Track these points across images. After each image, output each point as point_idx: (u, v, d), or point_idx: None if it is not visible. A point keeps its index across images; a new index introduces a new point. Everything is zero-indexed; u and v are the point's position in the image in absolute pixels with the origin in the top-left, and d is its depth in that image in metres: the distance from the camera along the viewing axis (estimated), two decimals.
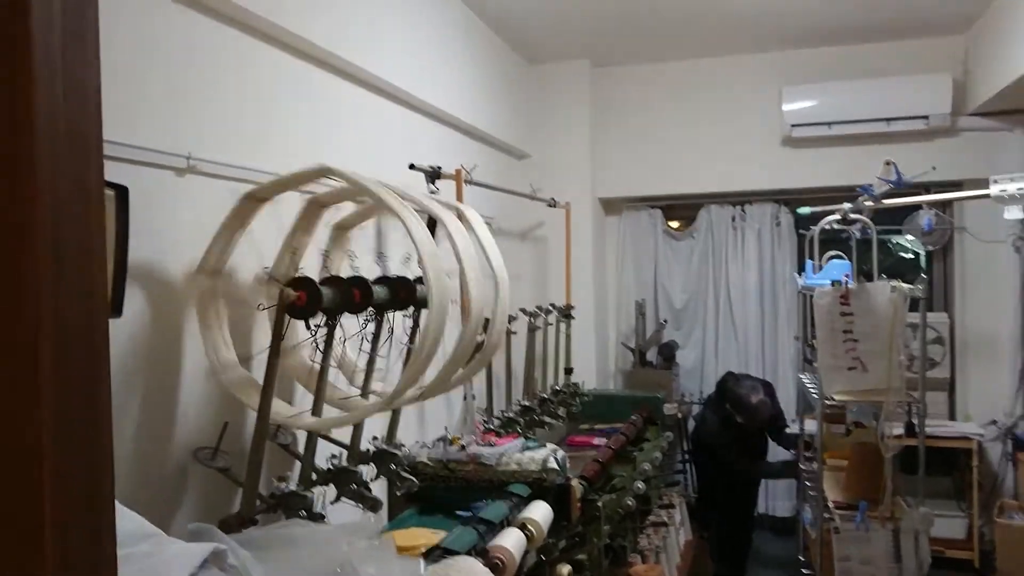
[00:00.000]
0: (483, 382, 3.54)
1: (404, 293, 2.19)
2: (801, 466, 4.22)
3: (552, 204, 4.52)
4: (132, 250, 1.76)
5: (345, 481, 2.06)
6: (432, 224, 2.31)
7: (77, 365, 0.51)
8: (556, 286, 4.73)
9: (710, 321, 5.29)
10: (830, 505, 3.54)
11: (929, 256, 5.05)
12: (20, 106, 0.47)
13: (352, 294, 1.99)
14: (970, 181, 4.38)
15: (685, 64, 5.01)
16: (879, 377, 3.19)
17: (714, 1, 4.05)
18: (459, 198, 3.18)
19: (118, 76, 1.75)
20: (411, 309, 2.31)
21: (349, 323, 2.12)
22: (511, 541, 2.10)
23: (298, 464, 2.09)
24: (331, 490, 2.05)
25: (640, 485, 3.35)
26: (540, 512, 2.34)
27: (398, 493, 2.38)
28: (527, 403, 3.57)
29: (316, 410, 2.02)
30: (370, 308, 2.08)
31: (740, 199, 5.22)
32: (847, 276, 3.35)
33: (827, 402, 3.44)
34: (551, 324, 4.16)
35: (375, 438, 2.26)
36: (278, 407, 1.98)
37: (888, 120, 4.57)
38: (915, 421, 3.54)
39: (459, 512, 2.26)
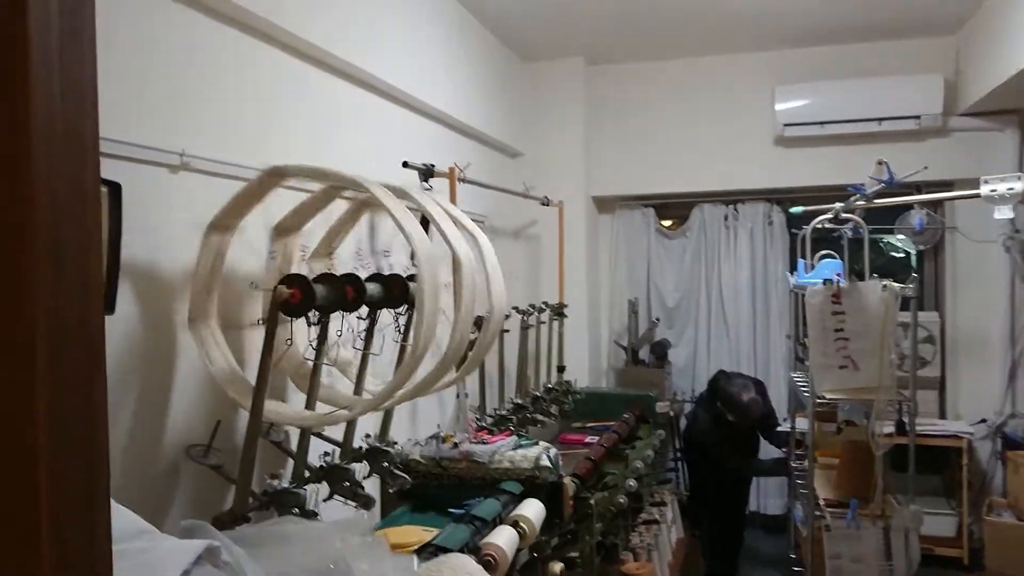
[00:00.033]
0: (476, 380, 3.55)
1: (398, 290, 2.20)
2: (792, 464, 4.24)
3: (545, 202, 4.53)
4: (125, 247, 1.76)
5: (338, 479, 2.06)
6: (425, 222, 2.31)
7: (74, 365, 0.52)
8: (549, 284, 4.74)
9: (702, 320, 5.30)
10: (821, 503, 3.55)
11: (920, 255, 5.08)
12: (18, 106, 0.47)
13: (345, 291, 1.99)
14: (961, 181, 4.40)
15: (679, 63, 5.02)
16: (870, 376, 3.20)
17: (708, 0, 4.06)
18: (452, 197, 3.19)
19: (112, 73, 1.75)
20: (405, 307, 2.31)
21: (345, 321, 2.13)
22: (504, 538, 2.10)
23: (291, 461, 2.09)
24: (324, 488, 2.05)
25: (632, 483, 3.37)
26: (533, 510, 2.34)
27: (391, 491, 2.39)
28: (520, 401, 3.58)
29: (309, 407, 2.02)
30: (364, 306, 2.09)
31: (733, 198, 5.23)
32: (839, 275, 3.37)
33: (818, 400, 3.45)
34: (544, 322, 4.17)
35: (368, 436, 2.26)
36: (272, 405, 1.98)
37: (880, 120, 4.59)
38: (906, 420, 3.56)
39: (452, 510, 2.27)
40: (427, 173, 3.09)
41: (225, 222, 1.97)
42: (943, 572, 4.34)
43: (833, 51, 4.75)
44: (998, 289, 4.67)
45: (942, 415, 4.85)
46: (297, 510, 1.89)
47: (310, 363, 2.02)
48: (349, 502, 2.06)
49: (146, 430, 1.87)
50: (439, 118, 3.63)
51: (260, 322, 2.12)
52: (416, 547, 1.96)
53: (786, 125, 4.73)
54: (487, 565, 1.93)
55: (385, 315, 2.27)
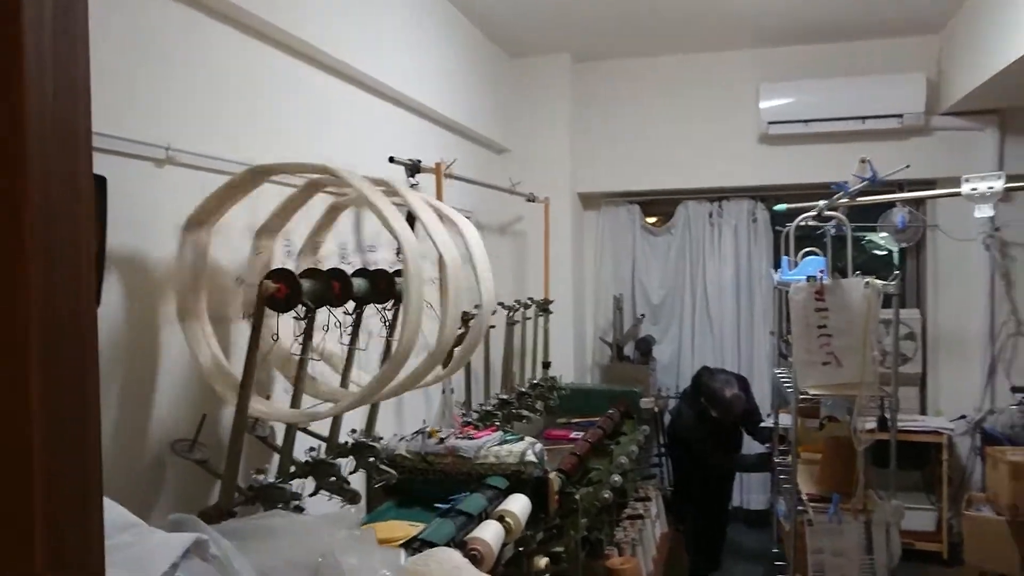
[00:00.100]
0: (462, 375, 3.55)
1: (384, 285, 2.19)
2: (776, 460, 4.27)
3: (531, 199, 4.53)
4: (110, 240, 1.75)
5: (323, 474, 2.06)
6: (411, 218, 2.31)
7: (67, 362, 0.51)
8: (535, 280, 4.75)
9: (687, 316, 5.33)
10: (804, 498, 3.58)
11: (902, 253, 5.13)
12: (12, 105, 0.47)
13: (331, 286, 1.98)
14: (943, 180, 4.44)
15: (664, 60, 5.04)
16: (853, 372, 3.23)
17: None
18: (439, 192, 3.19)
19: (98, 67, 1.73)
20: (391, 302, 2.31)
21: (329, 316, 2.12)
22: (489, 533, 2.11)
23: (276, 456, 2.09)
24: (310, 482, 2.05)
25: (617, 478, 3.38)
26: (518, 505, 2.35)
27: (376, 486, 2.39)
28: (505, 396, 3.58)
29: (295, 403, 2.01)
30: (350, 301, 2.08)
31: (717, 195, 5.26)
32: (822, 272, 3.39)
33: (801, 396, 3.48)
34: (529, 318, 4.17)
35: (353, 431, 2.26)
36: (257, 403, 1.97)
37: (863, 118, 4.63)
38: (887, 415, 3.59)
39: (437, 504, 2.27)
40: (413, 169, 3.09)
41: (203, 218, 1.97)
42: (923, 566, 4.39)
43: (817, 50, 4.78)
44: (978, 287, 4.73)
45: (923, 411, 4.90)
46: (283, 505, 1.89)
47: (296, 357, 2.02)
48: (335, 497, 2.06)
49: (131, 424, 1.86)
50: (425, 114, 3.63)
51: (244, 316, 2.12)
52: (402, 542, 1.96)
53: (770, 123, 4.76)
54: (473, 559, 1.94)
55: (372, 311, 2.27)
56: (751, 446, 4.70)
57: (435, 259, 2.09)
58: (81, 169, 0.53)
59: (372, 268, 2.24)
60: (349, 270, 2.11)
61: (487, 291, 2.27)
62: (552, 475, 2.63)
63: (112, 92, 1.80)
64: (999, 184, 3.22)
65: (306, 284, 1.90)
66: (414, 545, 1.93)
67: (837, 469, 3.56)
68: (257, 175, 1.98)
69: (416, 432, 2.68)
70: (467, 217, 2.51)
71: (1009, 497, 3.77)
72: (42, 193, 0.49)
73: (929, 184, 4.52)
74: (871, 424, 3.35)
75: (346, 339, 2.21)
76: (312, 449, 2.10)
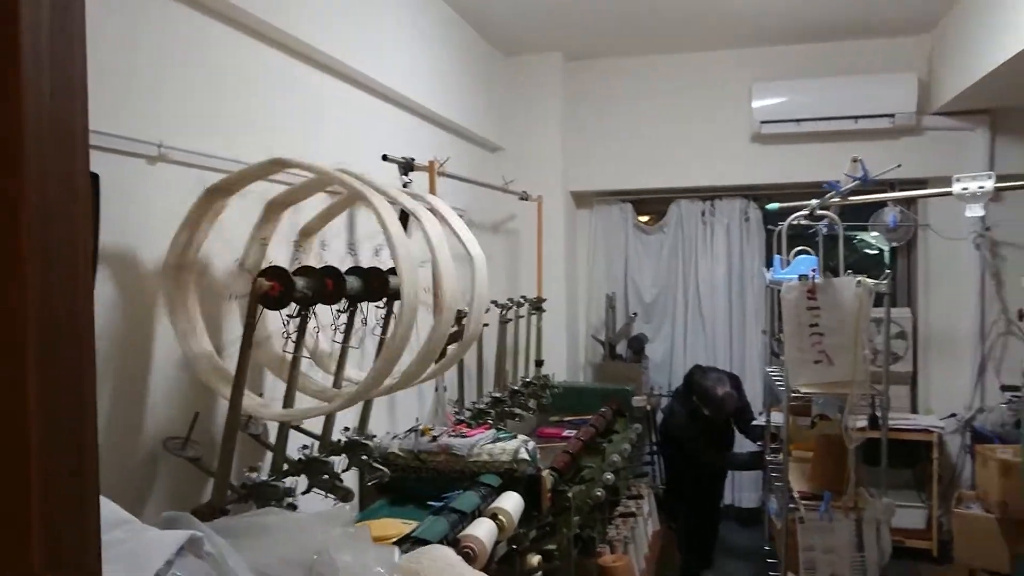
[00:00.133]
0: (454, 373, 3.55)
1: (377, 283, 2.19)
2: (767, 457, 4.28)
3: (524, 197, 4.54)
4: (102, 238, 1.74)
5: (316, 471, 2.06)
6: (404, 216, 2.31)
7: (65, 363, 0.52)
8: (527, 279, 4.75)
9: (679, 315, 5.34)
10: (795, 496, 3.59)
11: (893, 252, 5.14)
12: (9, 105, 0.47)
13: (325, 284, 1.98)
14: (934, 179, 4.46)
15: (657, 59, 5.04)
16: (844, 370, 3.24)
17: None
18: (432, 190, 3.19)
19: (90, 64, 1.73)
20: (384, 300, 2.31)
21: (324, 314, 2.12)
22: (483, 531, 2.11)
23: (269, 454, 2.09)
24: (302, 480, 2.05)
25: (609, 476, 3.39)
26: (511, 502, 2.35)
27: (369, 484, 2.38)
28: (498, 395, 3.59)
29: (288, 401, 2.01)
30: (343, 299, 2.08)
31: (710, 194, 5.27)
32: (814, 271, 3.40)
33: (793, 395, 3.49)
34: (522, 316, 4.18)
35: (346, 429, 2.26)
36: (251, 401, 1.97)
37: (855, 118, 4.65)
38: (878, 414, 3.60)
39: (430, 502, 2.28)
40: (407, 167, 3.09)
41: (227, 187, 1.99)
42: (913, 564, 4.41)
43: (810, 49, 4.79)
44: (968, 286, 4.75)
45: (913, 410, 4.92)
46: (275, 503, 1.89)
47: (289, 355, 2.02)
48: (328, 495, 2.06)
49: (123, 422, 1.86)
50: (419, 112, 3.62)
51: (231, 298, 2.11)
52: (395, 540, 1.96)
53: (763, 122, 4.77)
54: (466, 557, 1.94)
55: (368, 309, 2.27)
56: (743, 444, 4.71)
57: (429, 258, 2.09)
58: (78, 168, 0.53)
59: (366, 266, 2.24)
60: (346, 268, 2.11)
61: (481, 289, 2.28)
62: (545, 473, 2.64)
63: (105, 89, 1.79)
64: (989, 184, 3.24)
65: (300, 282, 1.90)
66: (407, 543, 1.93)
67: (828, 467, 3.57)
68: (276, 165, 1.98)
69: (409, 430, 2.69)
70: (460, 215, 2.51)
71: (998, 495, 3.79)
72: (39, 193, 0.49)
73: (920, 184, 4.54)
74: (862, 422, 3.36)
75: (339, 337, 2.21)
76: (305, 447, 2.10)
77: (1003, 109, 4.54)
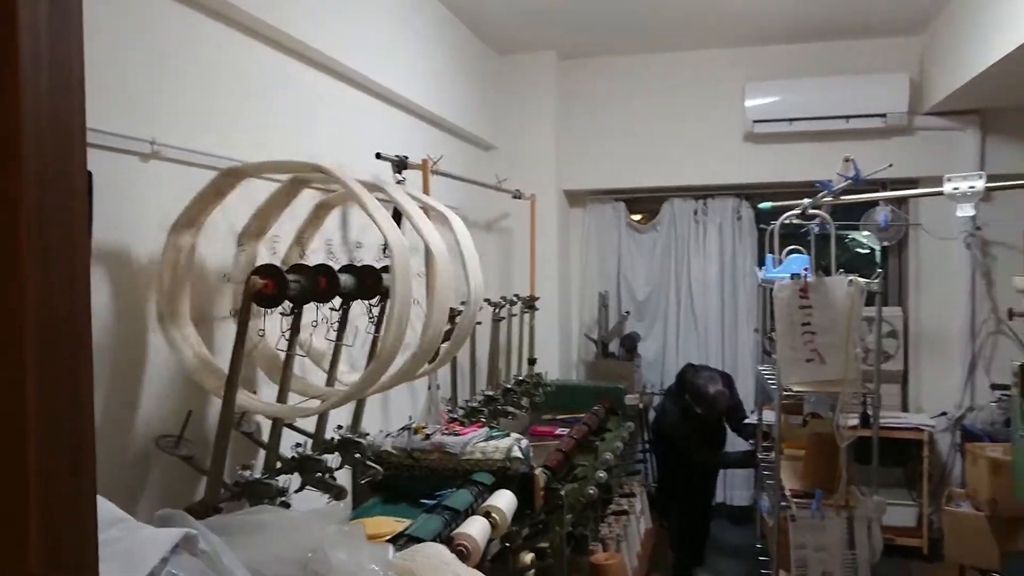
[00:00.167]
0: (448, 371, 3.56)
1: (370, 282, 2.19)
2: (759, 456, 4.30)
3: (517, 196, 4.54)
4: (95, 235, 1.74)
5: (310, 469, 2.06)
6: (397, 214, 2.31)
7: (63, 363, 0.51)
8: (520, 277, 4.76)
9: (671, 313, 5.35)
10: (787, 494, 3.61)
11: (884, 252, 5.17)
12: (7, 105, 0.47)
13: (318, 282, 1.98)
14: (925, 179, 4.49)
15: (650, 58, 5.05)
16: (836, 369, 3.26)
17: None
18: (425, 188, 3.19)
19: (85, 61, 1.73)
20: (378, 298, 2.31)
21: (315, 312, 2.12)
22: (476, 529, 2.12)
23: (262, 452, 2.09)
24: (296, 478, 2.05)
25: (602, 474, 3.39)
26: (504, 500, 2.36)
27: (362, 482, 2.39)
28: (491, 393, 3.59)
29: (282, 400, 2.01)
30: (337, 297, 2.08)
31: (702, 193, 5.29)
32: (806, 270, 3.42)
33: (785, 393, 3.50)
34: (515, 315, 4.18)
35: (340, 427, 2.26)
36: (245, 397, 1.97)
37: (847, 118, 4.66)
38: (870, 412, 3.63)
39: (424, 500, 2.28)
40: (400, 165, 3.09)
41: (186, 222, 1.95)
42: (903, 562, 4.44)
43: (802, 49, 4.81)
44: (959, 285, 4.78)
45: (904, 408, 4.95)
46: (269, 501, 1.89)
47: (283, 354, 2.02)
48: (322, 493, 2.06)
49: (116, 420, 1.85)
50: (412, 110, 3.62)
51: (232, 313, 2.11)
52: (388, 537, 1.96)
53: (755, 121, 4.78)
54: (460, 555, 1.94)
55: (360, 307, 2.27)
56: (735, 443, 4.72)
57: (423, 255, 2.09)
58: (76, 168, 0.53)
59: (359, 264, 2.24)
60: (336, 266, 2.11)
61: (475, 287, 2.28)
62: (538, 471, 2.64)
63: (97, 86, 1.79)
64: (980, 184, 3.26)
65: (293, 280, 1.90)
66: (401, 541, 1.93)
67: (820, 465, 3.59)
68: (239, 174, 1.97)
69: (402, 428, 2.69)
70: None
71: (988, 492, 3.82)
72: (38, 193, 0.49)
73: (911, 183, 4.56)
74: (853, 421, 3.38)
75: (332, 335, 2.21)
76: (298, 445, 2.10)
77: (993, 109, 4.57)
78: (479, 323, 3.58)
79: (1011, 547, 3.69)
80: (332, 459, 2.14)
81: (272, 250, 2.31)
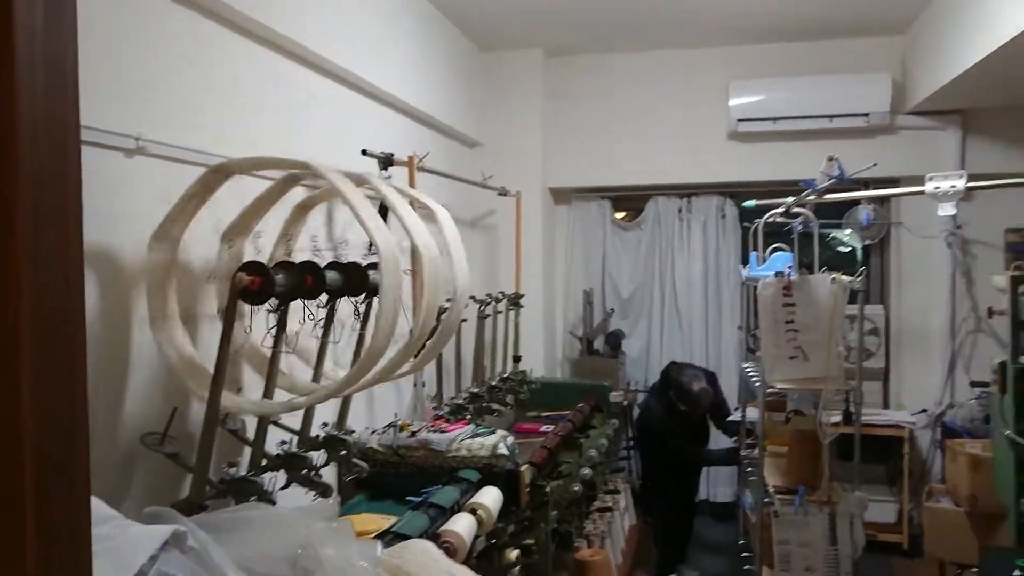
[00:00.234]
0: (433, 369, 3.56)
1: (357, 279, 2.19)
2: (743, 453, 4.33)
3: (503, 193, 4.54)
4: None
5: (295, 467, 2.06)
6: (384, 209, 2.31)
7: (59, 364, 0.52)
8: (506, 274, 4.76)
9: (656, 311, 5.37)
10: (770, 490, 3.63)
11: (866, 250, 5.21)
12: (4, 105, 0.47)
13: (305, 279, 1.98)
14: (906, 178, 4.53)
15: (636, 56, 5.06)
16: (819, 366, 3.28)
17: None
18: (411, 185, 3.18)
19: None
20: (363, 295, 2.31)
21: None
22: (462, 526, 2.12)
23: (248, 449, 2.08)
24: (281, 476, 2.05)
25: (587, 471, 3.41)
26: (490, 497, 2.37)
27: (348, 479, 2.39)
28: (476, 390, 3.59)
29: (267, 396, 2.01)
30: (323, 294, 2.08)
31: (687, 191, 5.31)
32: (790, 268, 3.44)
33: (769, 390, 3.53)
34: (500, 312, 4.19)
35: (325, 424, 2.26)
36: (230, 395, 1.97)
37: (830, 117, 4.70)
38: (852, 409, 3.65)
39: (410, 498, 2.28)
40: (386, 162, 3.08)
41: (171, 229, 1.92)
42: (885, 557, 4.48)
43: (786, 48, 4.84)
44: (940, 284, 4.83)
45: (885, 405, 5.00)
46: (255, 498, 1.89)
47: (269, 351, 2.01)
48: (307, 491, 2.06)
49: (101, 417, 1.84)
50: (399, 107, 3.62)
51: (218, 312, 2.10)
52: (375, 535, 1.97)
53: (740, 120, 4.81)
54: (446, 552, 1.95)
55: (346, 304, 2.27)
56: (718, 440, 4.75)
57: (408, 250, 2.09)
58: (71, 168, 0.53)
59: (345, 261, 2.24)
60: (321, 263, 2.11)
61: (461, 284, 2.28)
62: (523, 468, 2.65)
63: (83, 82, 1.77)
64: (961, 183, 3.29)
65: (279, 277, 1.89)
66: (387, 538, 1.94)
67: (803, 462, 3.61)
68: (227, 171, 1.97)
69: (388, 425, 2.69)
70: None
71: (968, 488, 3.86)
72: (34, 193, 0.49)
73: (893, 182, 4.60)
74: (836, 418, 3.41)
75: (318, 332, 2.21)
76: (284, 442, 2.10)
77: (974, 110, 4.62)
78: (464, 320, 3.58)
79: (990, 542, 3.74)
80: (318, 456, 2.14)
81: (257, 248, 2.30)
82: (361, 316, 2.34)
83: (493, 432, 2.66)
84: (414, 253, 2.09)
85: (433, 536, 2.04)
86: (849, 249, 4.62)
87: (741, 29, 4.64)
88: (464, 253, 2.33)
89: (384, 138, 3.35)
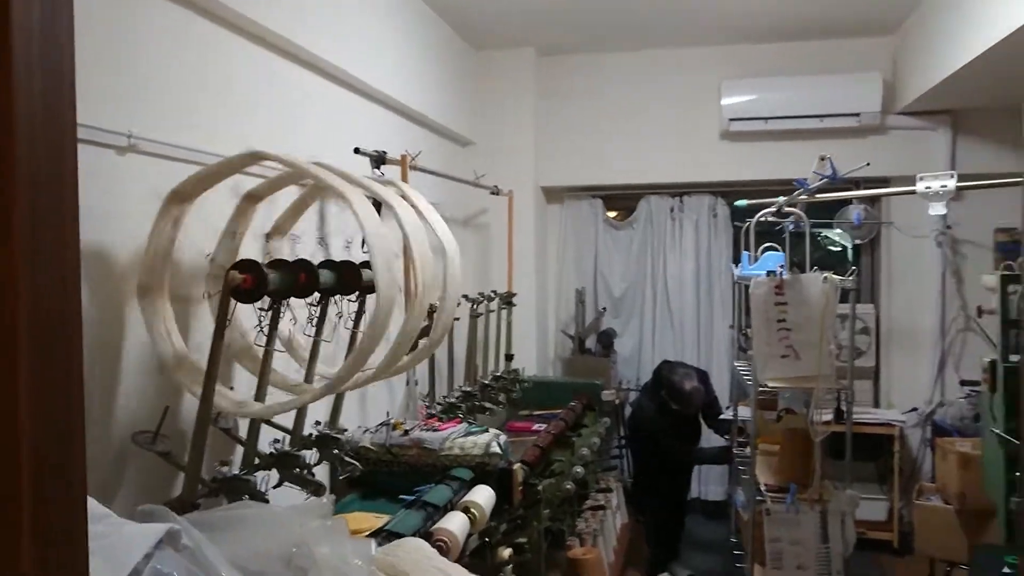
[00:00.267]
0: (425, 367, 3.56)
1: (350, 277, 2.19)
2: (734, 451, 4.34)
3: (495, 192, 4.54)
4: None
5: (288, 465, 2.06)
6: (377, 206, 2.30)
7: (56, 365, 0.52)
8: (498, 273, 4.76)
9: (648, 310, 5.38)
10: (762, 488, 3.65)
11: (857, 250, 5.23)
12: (2, 106, 0.47)
13: (298, 277, 1.98)
14: (896, 178, 4.55)
15: (628, 55, 5.07)
16: (810, 365, 3.30)
17: None
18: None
19: None
20: (356, 293, 2.31)
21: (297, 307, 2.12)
22: (455, 524, 2.13)
23: (240, 448, 2.08)
24: (274, 474, 2.04)
25: (579, 470, 3.42)
26: (483, 496, 2.37)
27: (340, 478, 2.39)
28: (469, 389, 3.60)
29: (260, 395, 2.01)
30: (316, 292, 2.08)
31: (679, 190, 5.32)
32: (781, 267, 3.45)
33: (760, 388, 3.54)
34: (493, 311, 4.19)
35: (318, 423, 2.26)
36: (221, 395, 1.96)
37: (822, 116, 4.71)
38: (843, 408, 3.67)
39: (403, 496, 2.28)
40: (379, 160, 3.08)
41: (188, 191, 1.94)
42: (875, 555, 4.51)
43: (778, 48, 4.85)
44: (930, 283, 4.86)
45: (876, 404, 5.02)
46: (247, 497, 1.89)
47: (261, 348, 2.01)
48: (300, 489, 2.06)
49: (92, 416, 1.84)
50: (391, 105, 3.62)
51: (205, 296, 2.10)
52: (368, 533, 1.97)
53: (732, 120, 4.82)
54: (439, 550, 1.95)
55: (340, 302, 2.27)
56: (710, 438, 4.76)
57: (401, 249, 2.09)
58: (68, 169, 0.53)
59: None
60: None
61: (454, 283, 2.28)
62: (516, 466, 2.66)
63: (78, 79, 1.77)
64: (952, 183, 3.31)
65: (272, 275, 1.89)
66: (380, 537, 1.94)
67: (794, 460, 3.63)
68: (254, 159, 1.97)
69: (380, 424, 2.69)
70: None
71: (958, 487, 3.88)
72: (31, 195, 0.49)
73: (883, 182, 4.62)
74: (827, 416, 3.43)
75: (311, 330, 2.20)
76: (276, 441, 2.10)
77: (964, 110, 4.64)
78: (457, 319, 3.58)
79: (979, 540, 3.76)
80: (310, 455, 2.14)
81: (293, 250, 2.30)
82: (354, 314, 2.35)
83: (486, 431, 2.67)
84: (407, 250, 2.09)
85: (426, 534, 2.04)
86: (840, 248, 4.63)
87: (733, 29, 4.65)
88: (458, 254, 2.33)
89: (377, 136, 3.35)
